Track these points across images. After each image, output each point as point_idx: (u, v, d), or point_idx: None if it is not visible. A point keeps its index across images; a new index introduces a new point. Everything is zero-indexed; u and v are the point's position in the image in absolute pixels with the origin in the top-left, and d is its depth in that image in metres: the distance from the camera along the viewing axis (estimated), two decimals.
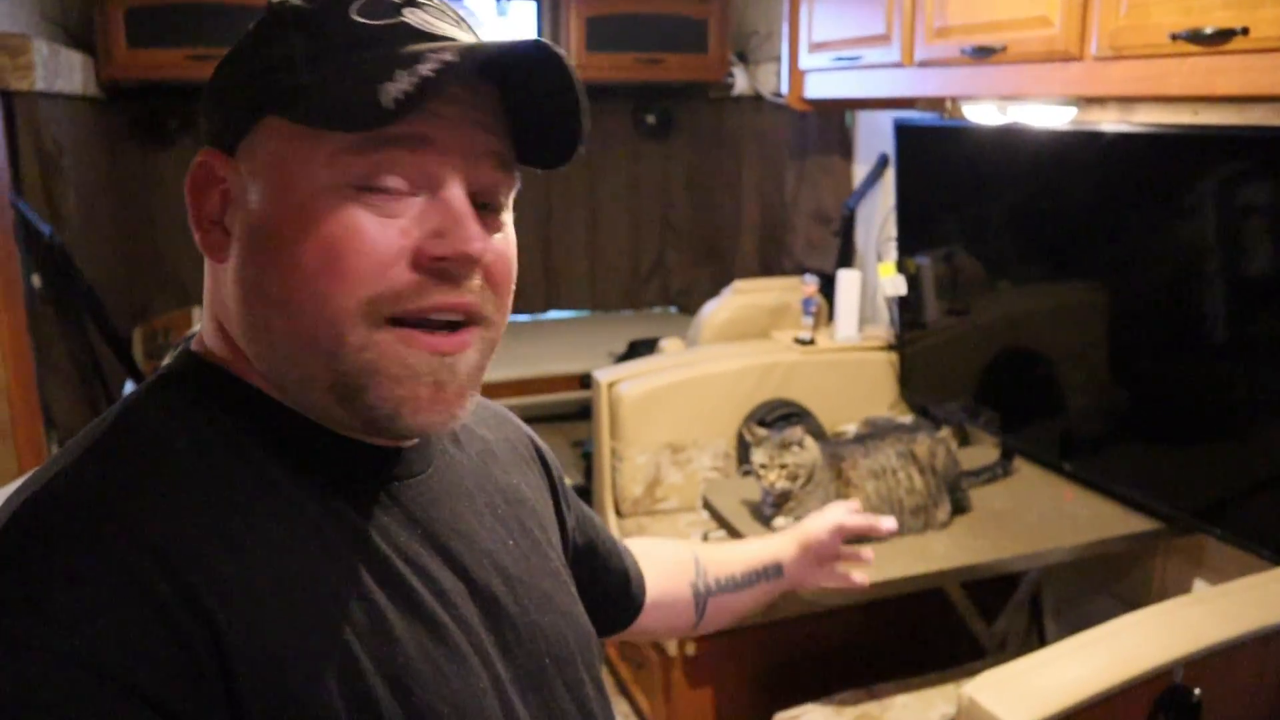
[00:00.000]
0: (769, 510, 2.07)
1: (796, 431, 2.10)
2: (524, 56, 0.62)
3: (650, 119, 3.85)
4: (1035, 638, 2.48)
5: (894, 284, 2.72)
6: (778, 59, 2.89)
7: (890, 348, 2.86)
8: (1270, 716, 1.46)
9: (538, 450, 0.94)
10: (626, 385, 2.68)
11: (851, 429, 2.70)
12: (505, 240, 0.68)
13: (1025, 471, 2.38)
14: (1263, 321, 1.87)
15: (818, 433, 2.65)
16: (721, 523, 2.18)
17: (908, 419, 2.74)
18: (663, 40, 3.42)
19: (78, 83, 2.80)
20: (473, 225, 0.63)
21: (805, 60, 2.61)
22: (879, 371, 2.87)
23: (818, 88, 2.60)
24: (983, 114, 2.18)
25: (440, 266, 0.63)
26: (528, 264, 4.04)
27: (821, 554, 1.23)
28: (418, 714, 0.62)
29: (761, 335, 2.96)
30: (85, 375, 2.67)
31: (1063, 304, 2.35)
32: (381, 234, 0.61)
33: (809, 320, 2.86)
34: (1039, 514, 2.15)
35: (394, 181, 0.62)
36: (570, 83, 0.64)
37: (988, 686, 1.35)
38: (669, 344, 3.10)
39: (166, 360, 0.72)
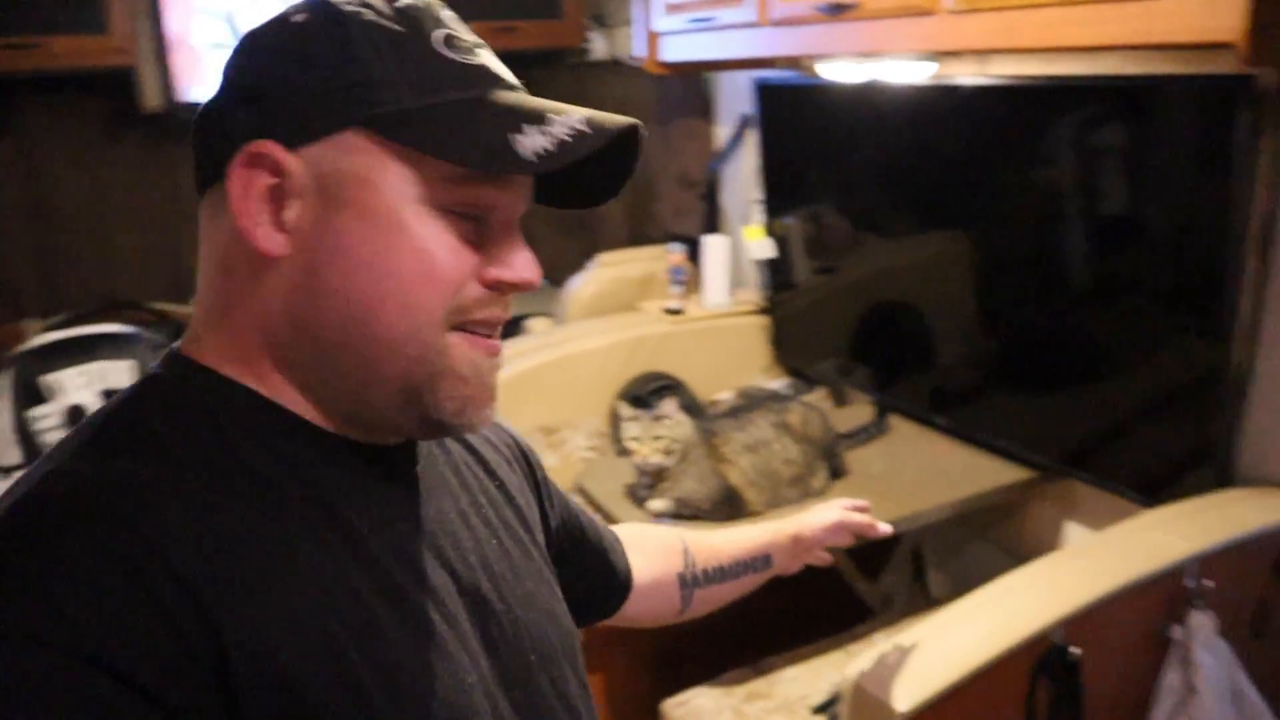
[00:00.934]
0: (644, 492, 2.01)
1: (669, 405, 2.04)
2: (625, 135, 0.69)
3: None
4: (919, 591, 2.50)
5: (762, 247, 2.68)
6: (634, 22, 2.80)
7: (761, 311, 2.83)
8: (1146, 667, 1.48)
9: (520, 448, 0.95)
10: None
11: (727, 396, 2.66)
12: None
13: (900, 428, 2.38)
14: (1117, 265, 1.89)
15: (693, 404, 2.61)
16: (596, 508, 2.12)
17: (780, 384, 2.72)
18: (515, 7, 3.28)
19: None
20: (529, 254, 0.71)
21: (660, 23, 2.52)
22: (751, 336, 2.83)
23: (674, 50, 2.52)
24: (841, 72, 2.14)
25: (501, 287, 0.69)
26: None
27: (811, 545, 1.25)
28: (408, 709, 0.64)
29: (630, 308, 2.89)
30: None
31: (929, 257, 2.35)
32: (464, 253, 0.67)
33: (677, 289, 2.80)
34: (914, 472, 2.15)
35: (477, 208, 0.68)
36: (634, 161, 0.73)
37: (870, 671, 1.33)
38: (535, 324, 3.00)
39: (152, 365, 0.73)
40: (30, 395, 2.36)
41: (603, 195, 0.76)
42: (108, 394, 2.42)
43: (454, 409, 0.69)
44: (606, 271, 2.94)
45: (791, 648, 2.07)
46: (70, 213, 3.21)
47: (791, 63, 2.51)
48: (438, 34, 0.68)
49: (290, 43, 0.67)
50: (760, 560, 1.20)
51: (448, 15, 0.71)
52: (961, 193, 2.16)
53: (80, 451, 0.63)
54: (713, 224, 3.02)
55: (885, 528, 1.28)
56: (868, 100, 2.25)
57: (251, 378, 0.69)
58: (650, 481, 1.99)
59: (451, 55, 0.67)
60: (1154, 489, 1.84)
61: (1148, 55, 1.70)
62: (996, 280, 2.18)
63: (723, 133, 3.03)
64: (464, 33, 0.70)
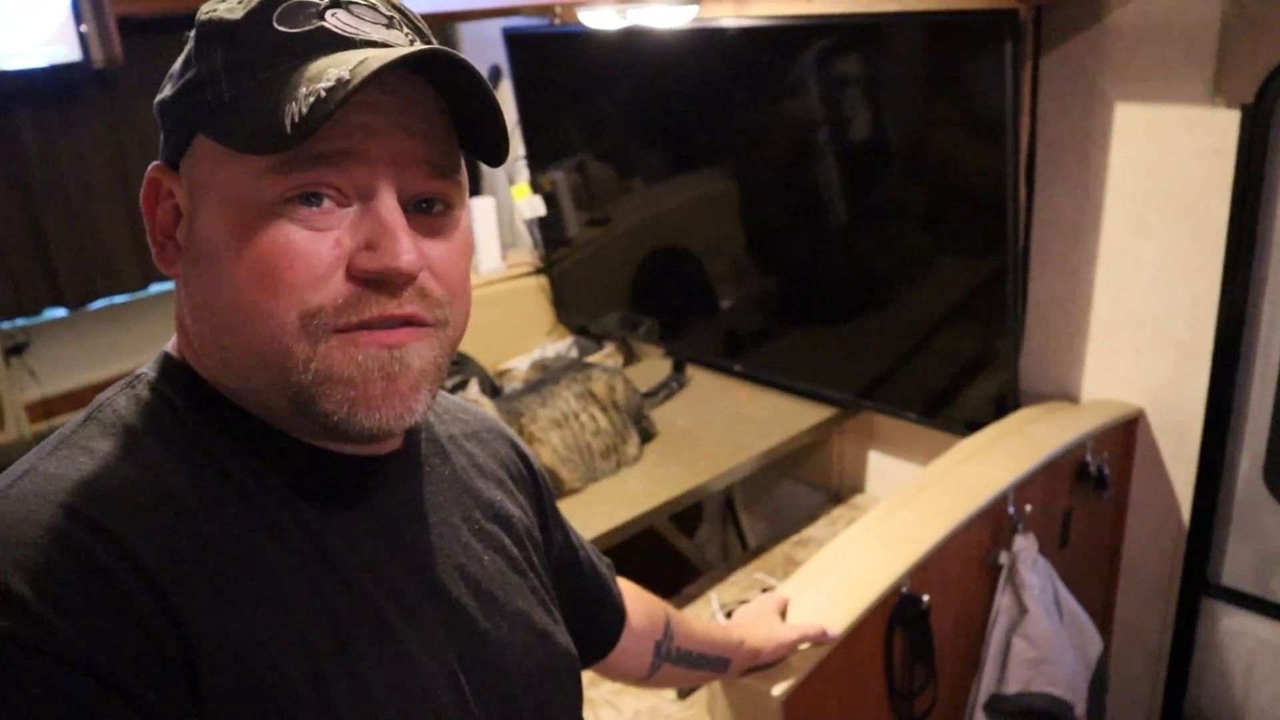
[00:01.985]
0: None
1: (473, 388, 1.92)
2: (421, 64, 0.61)
3: None
4: (735, 537, 2.52)
5: (531, 205, 2.56)
6: None
7: (538, 271, 2.72)
8: (980, 594, 1.53)
9: (529, 469, 0.90)
10: None
11: (518, 365, 2.55)
12: (452, 240, 0.66)
13: (699, 379, 2.36)
14: (892, 198, 1.92)
15: (485, 378, 2.48)
16: None
17: (566, 344, 2.64)
18: None
19: None
20: (403, 238, 0.61)
21: None
22: (531, 298, 2.72)
23: (415, 2, 2.32)
24: (602, 19, 2.03)
25: (371, 279, 0.61)
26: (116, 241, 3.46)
27: (768, 659, 1.21)
28: None
29: None
30: None
31: (699, 199, 2.31)
32: (314, 248, 0.60)
33: None
34: (722, 424, 2.13)
35: (323, 194, 0.61)
36: (480, 88, 0.62)
37: None
38: None
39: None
40: None
41: (492, 148, 0.67)
42: None
43: (343, 415, 0.62)
44: None
45: None
46: None
47: (541, 10, 2.37)
48: (282, 8, 0.62)
49: (175, 65, 0.66)
50: (722, 661, 1.16)
51: None
52: (729, 134, 2.13)
53: (57, 451, 0.61)
54: (474, 186, 2.86)
55: (834, 631, 1.25)
56: (628, 46, 2.16)
57: (214, 379, 0.66)
58: None
59: (282, 28, 0.61)
60: (949, 413, 1.92)
61: None
62: (772, 220, 2.17)
63: None
64: None
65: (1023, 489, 1.53)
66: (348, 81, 0.57)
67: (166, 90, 0.66)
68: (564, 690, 0.80)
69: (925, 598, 1.37)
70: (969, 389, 1.90)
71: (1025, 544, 1.52)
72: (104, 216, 3.07)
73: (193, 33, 0.65)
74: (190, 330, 0.67)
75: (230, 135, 0.60)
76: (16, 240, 2.78)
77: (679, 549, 2.27)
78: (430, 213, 0.65)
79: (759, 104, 2.05)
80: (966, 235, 1.83)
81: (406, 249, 0.61)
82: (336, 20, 0.62)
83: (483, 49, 2.75)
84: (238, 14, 0.62)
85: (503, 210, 2.75)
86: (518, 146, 2.62)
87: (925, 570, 1.39)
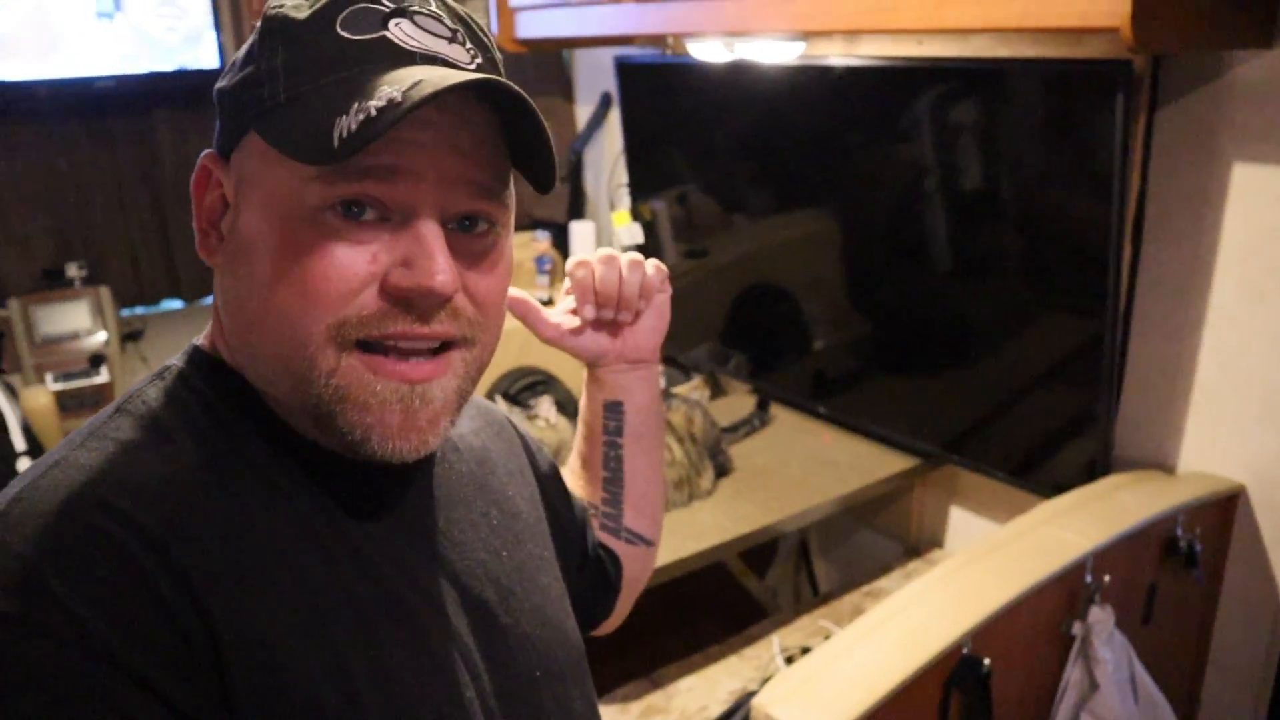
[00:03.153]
0: None
1: (545, 405, 1.93)
2: (481, 94, 0.61)
3: None
4: (807, 582, 2.47)
5: (630, 233, 2.58)
6: None
7: None
8: (1048, 664, 1.46)
9: (530, 455, 0.89)
10: None
11: None
12: (492, 261, 0.66)
13: (782, 418, 2.33)
14: (994, 249, 1.87)
15: (566, 400, 2.49)
16: None
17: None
18: None
19: None
20: (440, 258, 0.61)
21: None
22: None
23: (531, 27, 2.38)
24: (709, 51, 2.04)
25: (403, 297, 0.61)
26: None
27: (605, 344, 0.93)
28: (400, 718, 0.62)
29: None
30: None
31: (801, 238, 2.29)
32: (350, 260, 0.60)
33: (544, 279, 2.67)
34: (800, 466, 2.10)
35: (365, 206, 0.61)
36: (532, 119, 0.61)
37: (780, 699, 1.25)
38: None
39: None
40: None
41: (541, 175, 0.65)
42: None
43: (357, 437, 0.62)
44: None
45: (685, 652, 1.99)
46: None
47: (654, 40, 2.40)
48: (348, 11, 0.61)
49: (239, 53, 0.66)
50: (604, 415, 0.94)
51: None
52: (832, 173, 2.10)
53: (87, 442, 0.61)
54: (578, 209, 2.90)
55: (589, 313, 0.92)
56: (736, 79, 2.16)
57: (245, 373, 0.67)
58: None
59: (345, 34, 0.61)
60: (1035, 473, 1.84)
61: (1014, 37, 1.67)
62: (875, 262, 2.14)
63: (584, 113, 2.90)
64: (397, 1, 0.62)
65: (1103, 558, 1.46)
66: (399, 103, 0.57)
67: (226, 79, 0.66)
68: (580, 684, 0.80)
69: (987, 661, 1.31)
70: (1059, 450, 1.83)
71: (1101, 616, 1.45)
72: None
73: (259, 24, 0.65)
74: (224, 322, 0.67)
75: (280, 138, 0.60)
76: (144, 234, 2.93)
77: (747, 588, 2.23)
78: (472, 232, 0.64)
79: (863, 144, 2.02)
80: (1067, 291, 1.76)
81: (442, 269, 0.60)
82: (400, 31, 0.62)
83: (596, 76, 2.79)
84: (304, 13, 0.62)
85: (602, 235, 2.78)
86: (620, 174, 2.64)
87: (990, 632, 1.34)
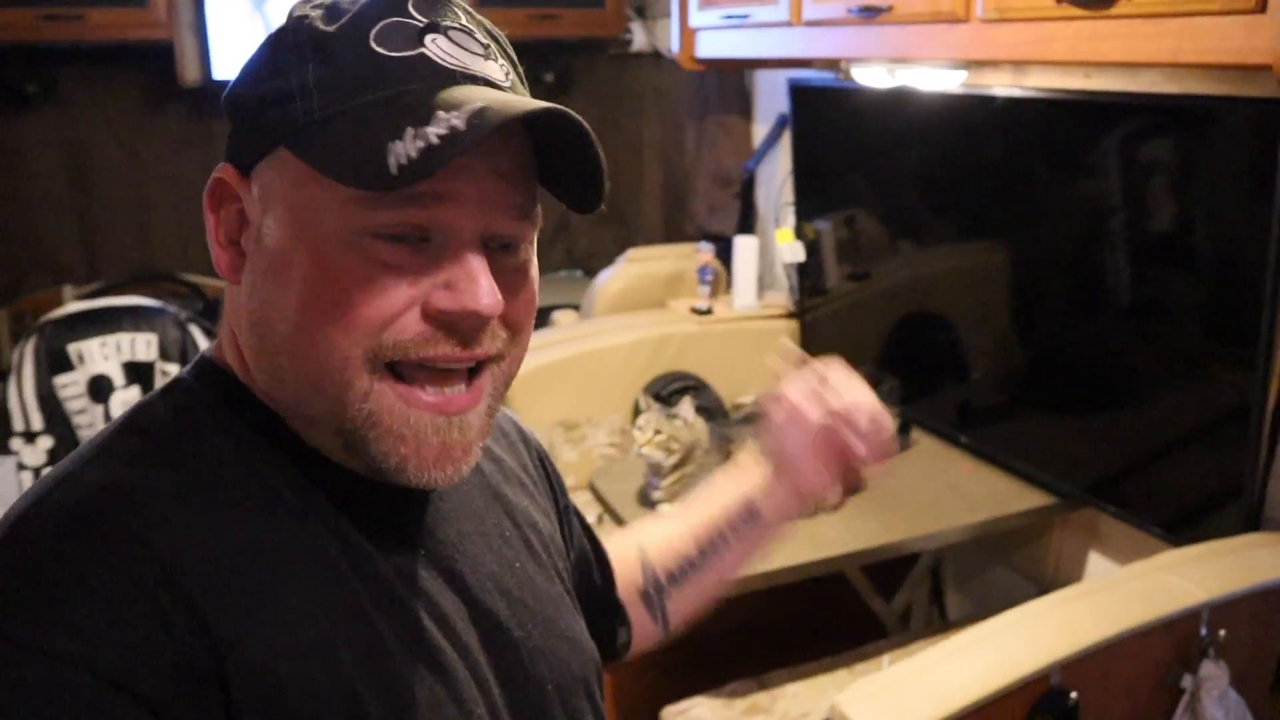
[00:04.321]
0: (654, 493, 1.98)
1: (686, 406, 2.01)
2: (537, 121, 0.59)
3: (549, 77, 3.68)
4: (937, 612, 2.45)
5: (792, 250, 2.63)
6: (671, 16, 2.76)
7: (790, 315, 2.78)
8: (1149, 712, 1.42)
9: (545, 468, 0.90)
10: None
11: (750, 400, 2.62)
12: (524, 279, 0.66)
13: (923, 444, 2.32)
14: (1151, 289, 1.82)
15: (716, 406, 2.57)
16: (607, 509, 2.09)
17: None
18: None
19: None
20: (483, 280, 0.60)
21: (696, 18, 2.48)
22: (779, 340, 2.78)
23: (709, 46, 2.48)
24: (872, 76, 2.08)
25: (446, 320, 0.61)
26: None
27: (801, 457, 0.92)
28: None
29: (657, 305, 2.85)
30: None
31: (962, 268, 2.28)
32: (391, 284, 0.59)
33: (705, 289, 2.76)
34: (933, 491, 2.09)
35: (407, 231, 0.60)
36: (588, 145, 0.61)
37: (859, 700, 1.29)
38: (561, 316, 2.98)
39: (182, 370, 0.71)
40: (55, 363, 2.39)
41: (585, 197, 0.64)
42: (129, 366, 2.44)
43: (392, 465, 0.63)
44: (635, 267, 2.90)
45: (798, 660, 2.03)
46: (109, 183, 3.26)
47: (831, 64, 2.45)
48: (381, 26, 0.60)
49: (252, 57, 0.65)
50: (739, 518, 0.93)
51: (420, 2, 0.62)
52: (997, 204, 2.09)
53: (96, 458, 0.61)
54: (747, 224, 2.97)
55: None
56: (902, 105, 2.19)
57: (257, 389, 0.66)
58: (657, 483, 1.96)
59: (381, 50, 0.59)
60: (1180, 526, 1.77)
61: (1186, 73, 1.63)
62: (1031, 297, 2.11)
63: (761, 131, 2.98)
64: (429, 15, 0.61)
65: (1221, 611, 1.41)
66: (462, 132, 0.56)
67: (244, 88, 0.64)
68: (591, 695, 0.78)
69: (1074, 695, 1.30)
70: (1205, 504, 1.75)
71: (1215, 671, 1.40)
72: None
73: (279, 30, 0.63)
74: (244, 340, 0.66)
75: (323, 160, 0.58)
76: None
77: (871, 607, 2.24)
78: (506, 252, 0.64)
79: (1027, 176, 2.01)
80: (1223, 340, 1.70)
81: (486, 291, 0.60)
82: (437, 47, 0.60)
83: (775, 97, 2.86)
84: (332, 25, 0.61)
85: (765, 251, 2.84)
86: (788, 193, 2.70)
87: (1083, 668, 1.32)
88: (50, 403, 2.42)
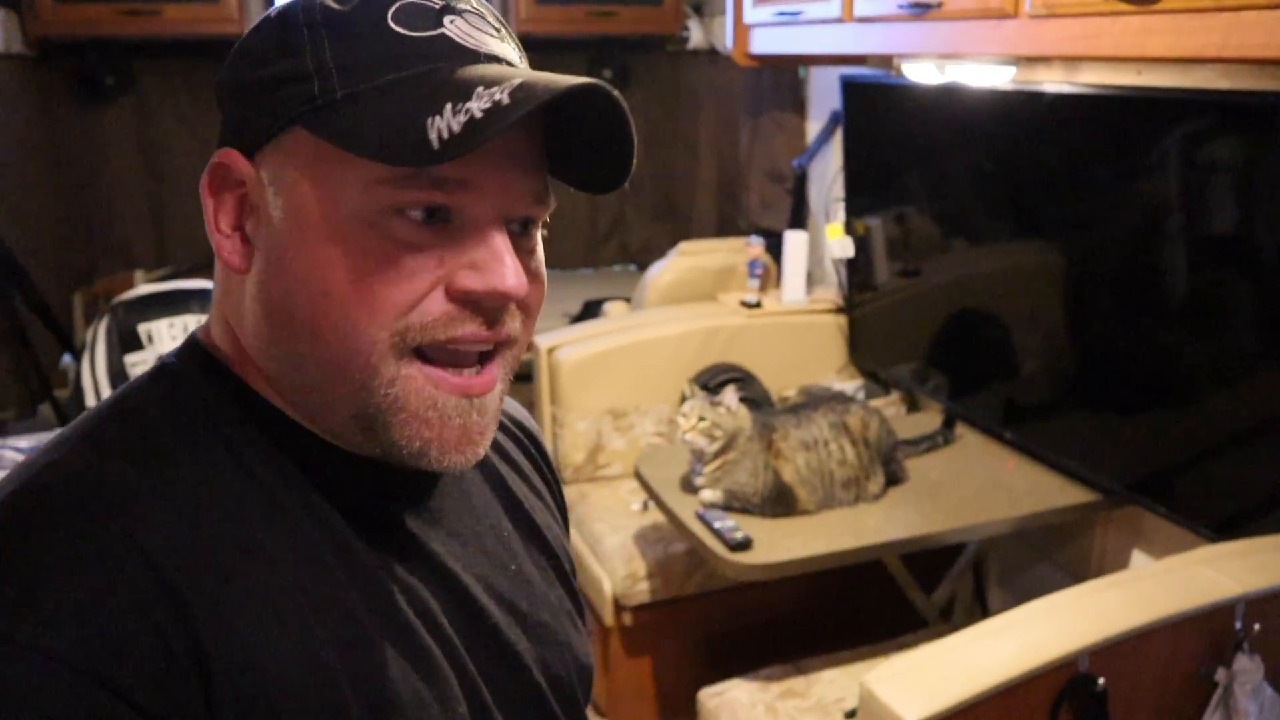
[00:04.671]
0: (697, 479, 2.02)
1: (730, 395, 2.05)
2: (577, 98, 0.58)
3: (606, 73, 3.74)
4: (979, 608, 2.46)
5: (841, 245, 2.65)
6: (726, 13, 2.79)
7: (839, 310, 2.80)
8: (1181, 705, 1.43)
9: (553, 473, 0.89)
10: (566, 350, 2.62)
11: (794, 395, 2.65)
12: (538, 262, 0.66)
13: (968, 439, 2.34)
14: (1201, 289, 1.82)
15: (762, 397, 2.60)
16: (651, 494, 2.14)
17: (853, 386, 2.69)
18: None
19: None
20: (508, 260, 0.60)
21: (750, 14, 2.51)
22: (827, 335, 2.81)
23: (763, 43, 2.51)
24: (922, 72, 2.10)
25: (473, 300, 0.60)
26: None
27: None
28: None
29: (708, 298, 2.89)
30: (12, 346, 2.60)
31: (1012, 266, 2.29)
32: (416, 265, 0.59)
33: (755, 283, 2.79)
34: (976, 485, 2.11)
35: (433, 209, 0.59)
36: (624, 123, 0.61)
37: (887, 678, 1.32)
38: (612, 307, 3.03)
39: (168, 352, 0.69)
40: (127, 342, 2.50)
41: (611, 176, 0.65)
42: None
43: (413, 450, 0.62)
44: (686, 260, 2.94)
45: (835, 647, 2.06)
46: (180, 173, 3.38)
47: (884, 61, 2.47)
48: (397, 6, 0.60)
49: (252, 39, 0.63)
50: None
51: None
52: (1047, 201, 2.10)
53: (81, 445, 0.60)
54: (799, 219, 3.00)
55: None
56: (954, 102, 2.20)
57: (251, 378, 0.65)
58: (700, 469, 2.00)
59: (400, 30, 0.59)
60: (1225, 527, 1.77)
61: (1238, 69, 1.63)
62: (1080, 294, 2.11)
63: (815, 128, 3.00)
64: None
65: (1257, 605, 1.41)
66: (506, 107, 0.55)
67: (249, 69, 0.62)
68: (578, 705, 0.78)
69: (1101, 681, 1.31)
70: (1253, 504, 1.75)
71: (1249, 666, 1.40)
72: None
73: (286, 10, 0.62)
74: (250, 329, 0.64)
75: (351, 138, 0.57)
76: None
77: (911, 599, 2.26)
78: (523, 235, 0.64)
79: (1082, 174, 2.01)
80: (1271, 338, 1.69)
81: (512, 271, 0.60)
82: (456, 28, 0.61)
83: (829, 94, 2.89)
84: (346, 4, 0.60)
85: (815, 247, 2.86)
86: (839, 188, 2.72)
87: (1113, 656, 1.34)
88: (121, 380, 2.53)
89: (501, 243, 0.61)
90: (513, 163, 0.61)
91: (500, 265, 0.60)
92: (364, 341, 0.59)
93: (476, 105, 0.55)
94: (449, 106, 0.55)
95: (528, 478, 0.83)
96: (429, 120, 0.55)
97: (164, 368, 0.66)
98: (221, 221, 0.64)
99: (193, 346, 0.67)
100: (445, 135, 0.55)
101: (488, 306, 0.61)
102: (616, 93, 0.60)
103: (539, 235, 0.66)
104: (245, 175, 0.62)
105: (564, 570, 0.82)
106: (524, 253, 0.64)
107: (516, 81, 0.57)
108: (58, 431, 0.63)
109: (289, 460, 0.63)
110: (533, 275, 0.65)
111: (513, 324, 0.63)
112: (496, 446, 0.81)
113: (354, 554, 0.63)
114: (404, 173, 0.57)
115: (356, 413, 0.62)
